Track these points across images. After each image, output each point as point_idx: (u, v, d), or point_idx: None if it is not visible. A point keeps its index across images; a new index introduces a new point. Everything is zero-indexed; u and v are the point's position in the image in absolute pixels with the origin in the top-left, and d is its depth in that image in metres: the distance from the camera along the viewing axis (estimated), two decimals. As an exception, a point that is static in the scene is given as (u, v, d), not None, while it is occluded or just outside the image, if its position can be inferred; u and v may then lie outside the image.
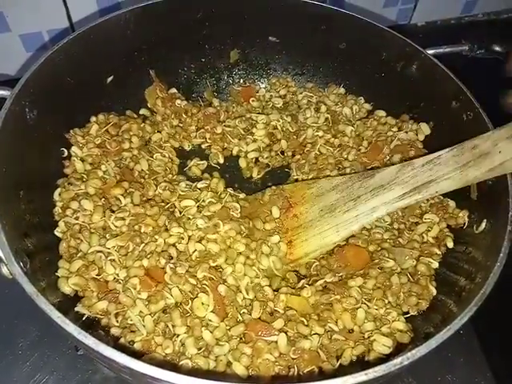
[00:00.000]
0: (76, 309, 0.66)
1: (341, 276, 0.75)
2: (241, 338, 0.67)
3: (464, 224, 0.78)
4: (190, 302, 0.68)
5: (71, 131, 0.82)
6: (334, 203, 0.79)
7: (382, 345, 0.66)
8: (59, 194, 0.76)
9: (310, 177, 0.90)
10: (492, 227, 0.69)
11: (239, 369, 0.64)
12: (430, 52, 0.86)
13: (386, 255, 0.75)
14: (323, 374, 0.65)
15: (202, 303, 0.68)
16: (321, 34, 0.96)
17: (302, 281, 0.76)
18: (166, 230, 0.75)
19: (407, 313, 0.72)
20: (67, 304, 0.66)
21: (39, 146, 0.74)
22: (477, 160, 0.67)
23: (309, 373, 0.64)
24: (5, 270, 0.56)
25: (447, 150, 0.71)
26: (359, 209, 0.76)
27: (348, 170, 0.89)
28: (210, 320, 0.67)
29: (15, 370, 0.72)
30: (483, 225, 0.71)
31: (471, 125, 0.77)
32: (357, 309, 0.70)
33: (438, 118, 0.87)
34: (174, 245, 0.74)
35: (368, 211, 0.75)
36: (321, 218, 0.79)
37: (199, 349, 0.65)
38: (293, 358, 0.65)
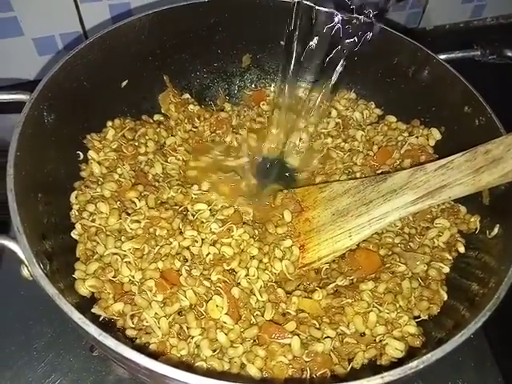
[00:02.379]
0: (93, 310, 0.67)
1: (352, 279, 0.76)
2: (254, 341, 0.68)
3: (476, 229, 0.78)
4: (204, 304, 0.69)
5: (88, 136, 0.83)
6: (347, 207, 0.79)
7: (395, 348, 0.67)
8: (76, 197, 0.77)
9: (318, 180, 0.91)
10: (505, 232, 0.69)
11: (253, 371, 0.64)
12: (442, 57, 0.87)
13: (398, 259, 0.76)
14: (335, 377, 0.66)
15: (217, 305, 0.69)
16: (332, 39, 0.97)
17: (314, 283, 0.77)
18: (181, 232, 0.76)
19: (418, 317, 0.72)
20: (84, 305, 0.67)
21: (56, 150, 0.75)
22: (490, 165, 0.66)
23: (321, 375, 0.65)
24: (25, 272, 0.57)
25: (460, 154, 0.70)
26: (372, 213, 0.75)
27: (358, 175, 0.89)
28: (225, 322, 0.68)
29: (30, 371, 0.73)
30: (496, 230, 0.71)
31: (483, 130, 0.77)
32: (368, 312, 0.70)
33: (449, 123, 0.87)
34: (188, 248, 0.75)
35: (380, 216, 0.74)
36: (333, 222, 0.79)
37: (214, 350, 0.65)
38: (306, 361, 0.66)
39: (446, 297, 0.73)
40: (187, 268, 0.71)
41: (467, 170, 0.68)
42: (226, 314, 0.68)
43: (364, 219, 0.76)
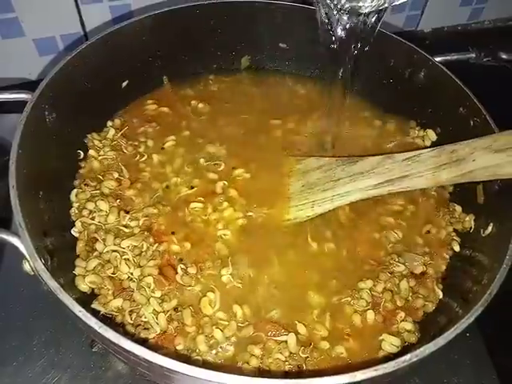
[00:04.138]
0: (92, 306, 0.67)
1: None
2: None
3: (470, 228, 0.79)
4: (199, 301, 0.70)
5: (89, 135, 0.85)
6: (316, 181, 0.83)
7: (391, 344, 0.68)
8: (76, 195, 0.78)
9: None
10: (498, 231, 0.70)
11: (249, 371, 0.65)
12: (438, 59, 0.88)
13: (397, 259, 0.77)
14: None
15: (210, 302, 0.70)
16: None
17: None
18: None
19: (414, 314, 0.73)
20: (83, 301, 0.67)
21: (57, 148, 0.76)
22: (452, 164, 0.70)
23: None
24: (27, 267, 0.58)
25: (429, 149, 0.74)
26: (336, 190, 0.79)
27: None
28: (220, 318, 0.69)
29: (30, 367, 0.73)
30: (489, 228, 0.72)
31: (478, 131, 0.77)
32: (366, 311, 0.71)
33: (445, 124, 0.88)
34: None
35: (343, 194, 0.78)
36: (301, 192, 0.83)
37: (210, 346, 0.66)
38: (303, 357, 0.66)
39: (441, 295, 0.74)
40: (183, 266, 0.72)
41: (431, 164, 0.72)
42: (219, 310, 0.69)
43: (328, 194, 0.80)
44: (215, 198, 0.82)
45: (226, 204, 0.80)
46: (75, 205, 0.77)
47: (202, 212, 0.79)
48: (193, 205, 0.80)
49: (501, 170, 0.66)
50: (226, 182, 0.83)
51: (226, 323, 0.68)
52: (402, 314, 0.71)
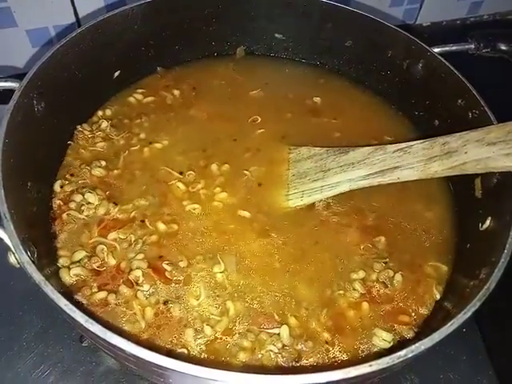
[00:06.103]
0: (76, 297, 0.66)
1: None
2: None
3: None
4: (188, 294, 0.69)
5: (79, 126, 0.83)
6: (307, 171, 0.83)
7: (382, 339, 0.67)
8: (60, 186, 0.77)
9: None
10: (496, 224, 0.69)
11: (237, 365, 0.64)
12: (436, 50, 0.86)
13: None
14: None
15: (196, 295, 0.69)
16: (327, 32, 0.97)
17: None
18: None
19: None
20: (68, 294, 0.66)
21: (46, 138, 0.75)
22: (443, 156, 0.69)
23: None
24: (12, 259, 0.56)
25: (420, 141, 0.74)
26: (326, 181, 0.79)
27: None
28: (212, 314, 0.67)
29: (19, 362, 0.73)
30: (487, 222, 0.71)
31: (476, 123, 0.76)
32: (361, 303, 0.70)
33: (443, 116, 0.87)
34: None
35: (333, 184, 0.78)
36: (291, 181, 0.82)
37: (198, 340, 0.65)
38: (296, 349, 0.65)
39: (438, 294, 0.73)
40: (169, 262, 0.71)
41: (422, 156, 0.72)
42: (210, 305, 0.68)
43: (318, 184, 0.80)
44: (208, 179, 0.82)
45: (218, 189, 0.80)
46: (59, 196, 0.76)
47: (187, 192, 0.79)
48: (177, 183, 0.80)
49: (492, 163, 0.65)
50: (218, 163, 0.84)
51: (219, 319, 0.67)
52: (399, 308, 0.70)
